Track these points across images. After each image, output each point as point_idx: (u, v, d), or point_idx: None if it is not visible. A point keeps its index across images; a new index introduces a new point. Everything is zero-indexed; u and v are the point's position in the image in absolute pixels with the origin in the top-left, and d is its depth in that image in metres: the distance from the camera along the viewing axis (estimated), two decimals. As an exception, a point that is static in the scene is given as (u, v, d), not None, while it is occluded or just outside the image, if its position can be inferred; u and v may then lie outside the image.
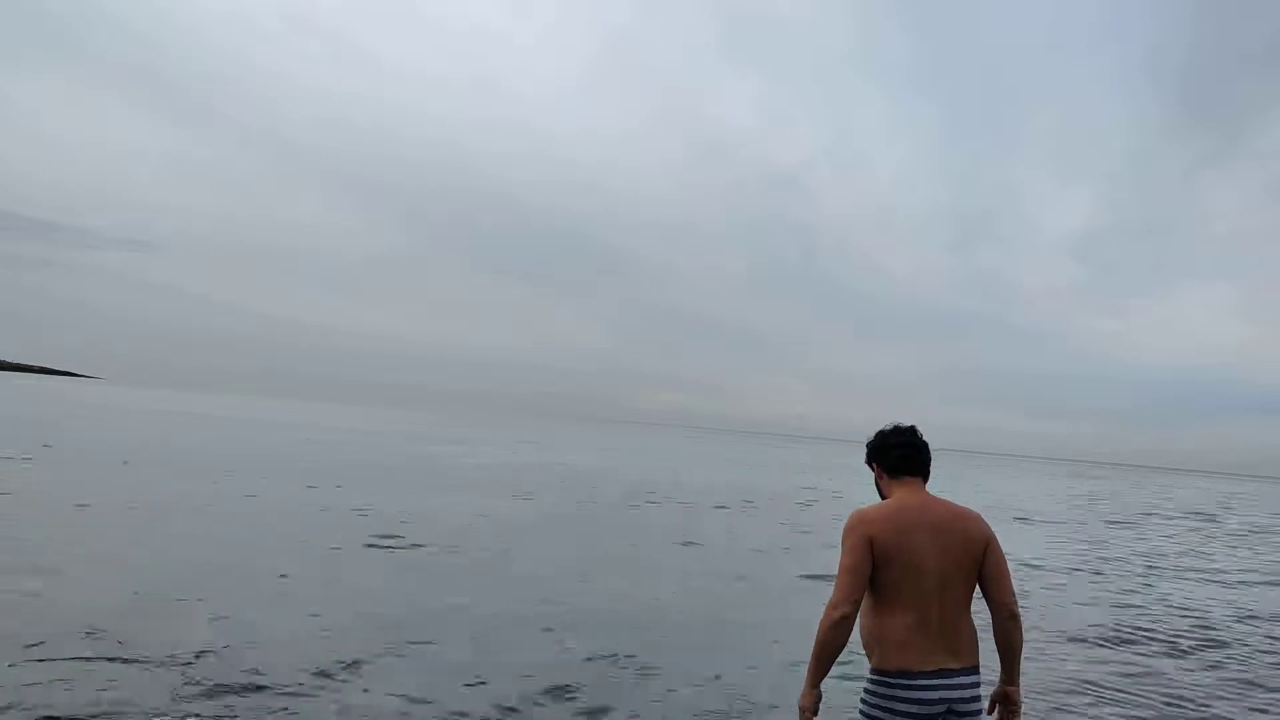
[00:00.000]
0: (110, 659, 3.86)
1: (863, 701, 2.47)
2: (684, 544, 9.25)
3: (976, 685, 2.50)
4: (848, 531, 2.47)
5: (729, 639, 5.27)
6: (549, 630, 5.02)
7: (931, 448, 2.81)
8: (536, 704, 3.75)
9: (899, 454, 2.72)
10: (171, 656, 3.95)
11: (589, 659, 4.51)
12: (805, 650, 2.38)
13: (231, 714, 3.34)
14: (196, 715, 3.29)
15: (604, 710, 3.75)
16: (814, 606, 2.76)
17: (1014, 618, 2.54)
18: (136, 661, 3.85)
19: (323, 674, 3.89)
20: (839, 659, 2.32)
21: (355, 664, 4.07)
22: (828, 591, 2.33)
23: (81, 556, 6.13)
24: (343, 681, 3.83)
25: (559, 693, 3.92)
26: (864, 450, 2.77)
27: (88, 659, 3.84)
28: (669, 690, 4.10)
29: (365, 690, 3.74)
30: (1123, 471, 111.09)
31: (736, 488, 19.15)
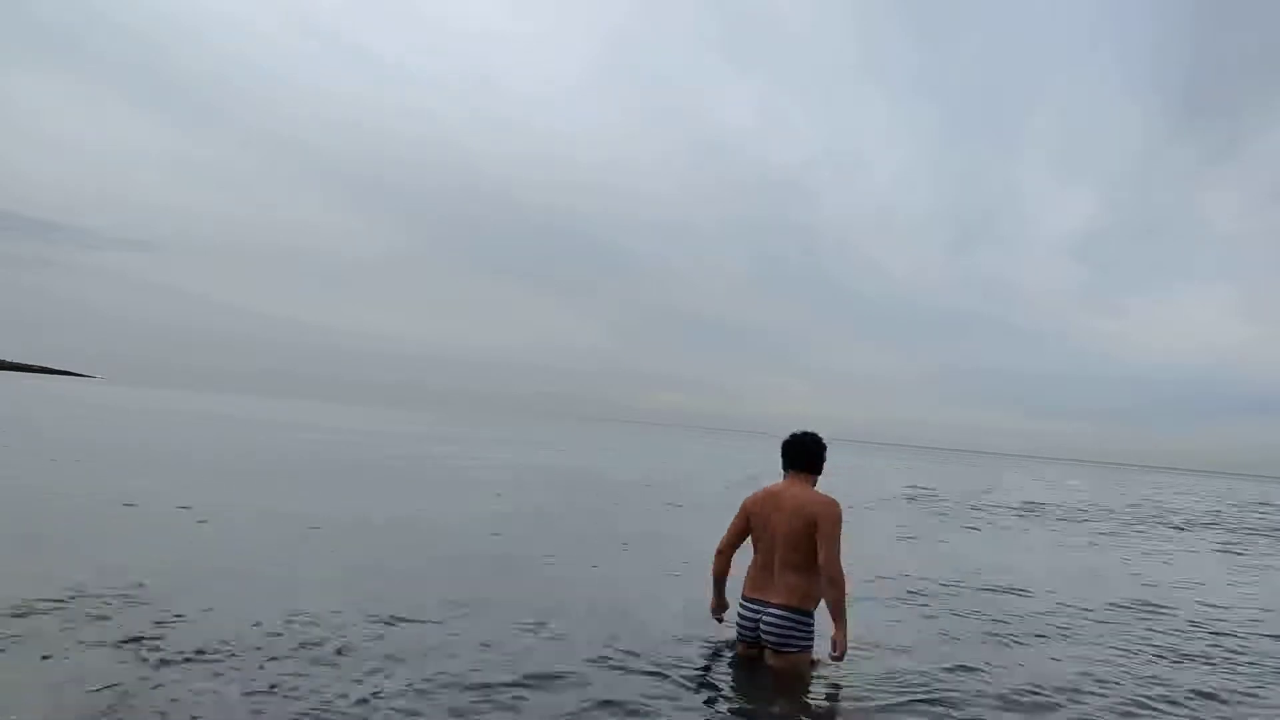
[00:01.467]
0: None
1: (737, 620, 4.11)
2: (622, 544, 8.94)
3: (784, 620, 3.84)
4: (741, 508, 4.12)
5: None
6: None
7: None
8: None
9: (786, 453, 4.10)
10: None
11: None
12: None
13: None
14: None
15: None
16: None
17: (831, 580, 3.75)
18: None
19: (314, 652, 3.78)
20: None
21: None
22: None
23: None
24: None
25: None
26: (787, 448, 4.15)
27: None
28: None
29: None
30: (1130, 471, 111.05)
31: (691, 481, 19.08)
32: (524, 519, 10.32)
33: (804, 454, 4.06)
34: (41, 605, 4.54)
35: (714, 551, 4.24)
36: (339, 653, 4.15)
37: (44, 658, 3.75)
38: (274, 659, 4.02)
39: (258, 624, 4.48)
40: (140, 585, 5.18)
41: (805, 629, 3.90)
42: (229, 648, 4.07)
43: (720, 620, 4.36)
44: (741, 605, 4.08)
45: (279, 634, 4.37)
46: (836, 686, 4.06)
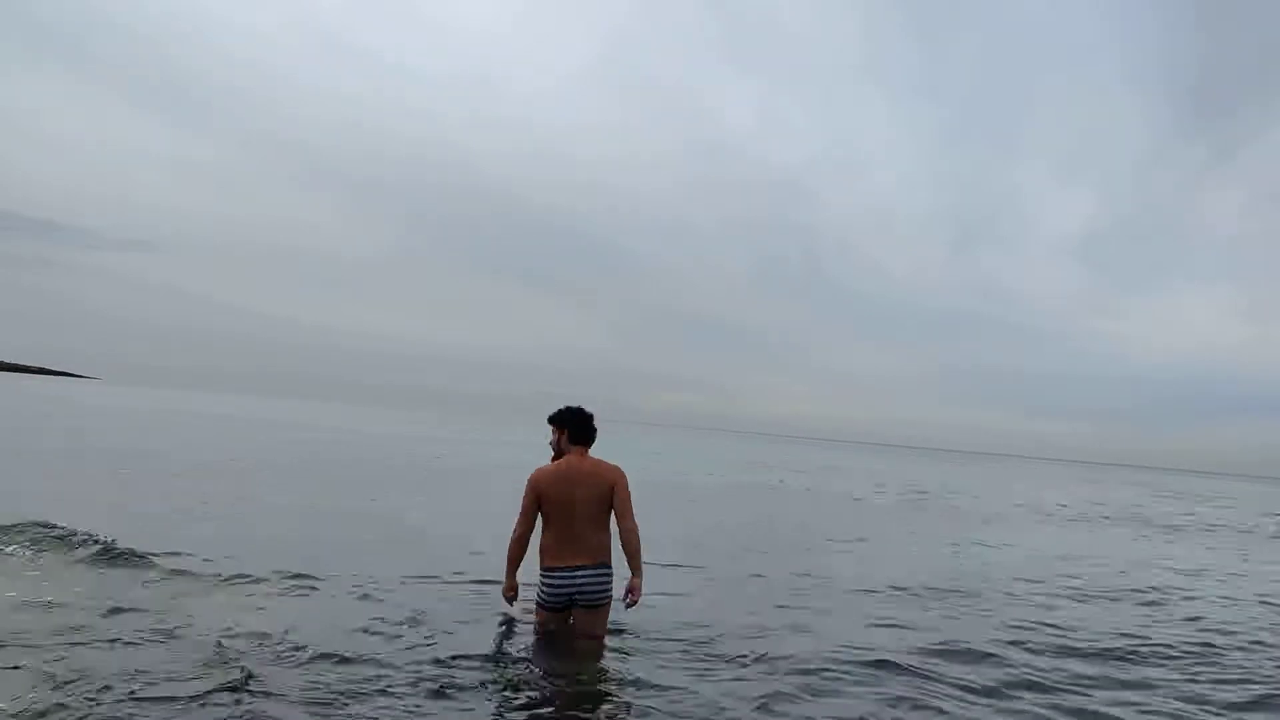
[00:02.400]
0: None
1: (538, 589, 4.31)
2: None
3: (599, 576, 4.26)
4: (528, 486, 4.27)
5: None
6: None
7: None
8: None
9: (577, 428, 4.38)
10: None
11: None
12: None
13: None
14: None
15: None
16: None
17: (630, 530, 4.25)
18: None
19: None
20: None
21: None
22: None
23: None
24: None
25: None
26: (553, 419, 4.43)
27: None
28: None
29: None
30: (1132, 472, 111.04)
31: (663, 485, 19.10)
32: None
33: (587, 429, 4.43)
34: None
35: (512, 539, 4.35)
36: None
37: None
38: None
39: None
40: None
41: (610, 581, 4.37)
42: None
43: (512, 601, 4.58)
44: (546, 576, 4.28)
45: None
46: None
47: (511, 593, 4.49)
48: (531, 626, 4.59)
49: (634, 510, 4.29)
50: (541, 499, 4.25)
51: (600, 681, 4.08)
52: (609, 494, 4.26)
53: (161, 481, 11.10)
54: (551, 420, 4.44)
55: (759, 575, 7.57)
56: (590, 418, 4.44)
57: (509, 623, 4.93)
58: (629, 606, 4.36)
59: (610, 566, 4.33)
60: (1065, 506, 21.49)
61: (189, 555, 6.22)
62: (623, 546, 4.28)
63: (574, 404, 4.50)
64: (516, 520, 4.30)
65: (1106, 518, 18.79)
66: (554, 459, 4.43)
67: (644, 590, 4.36)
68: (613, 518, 4.30)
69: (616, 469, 4.34)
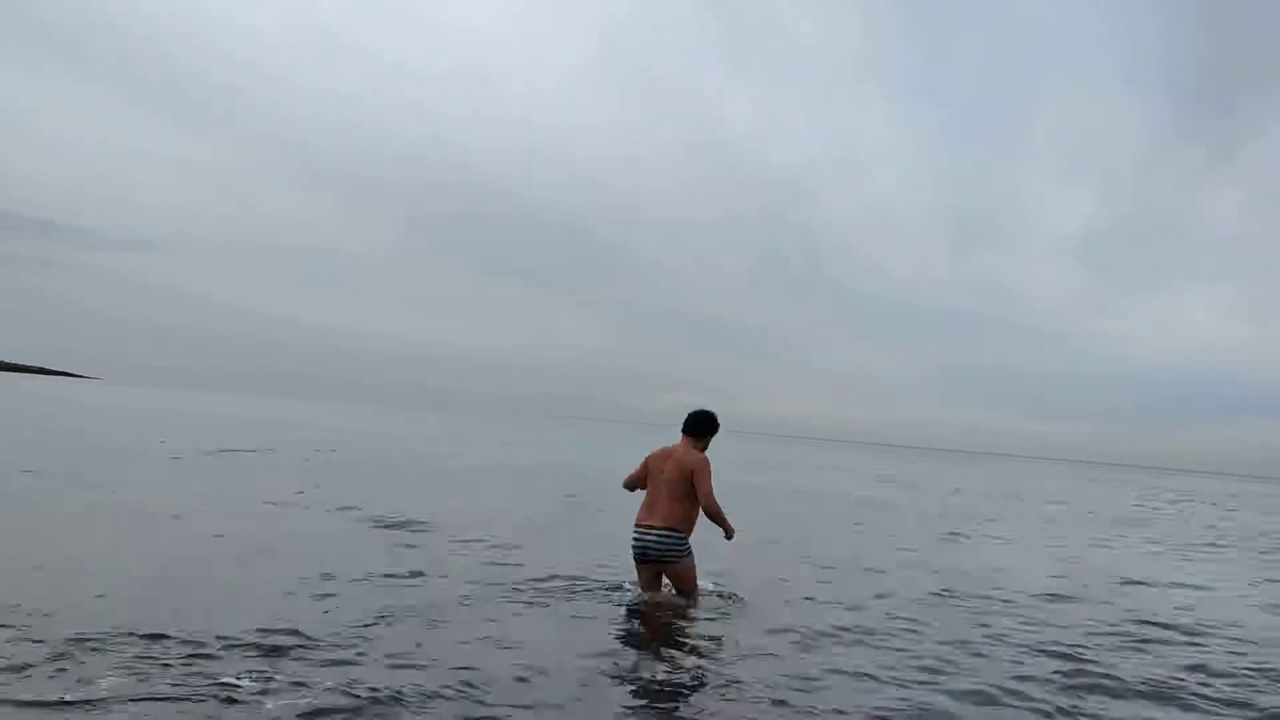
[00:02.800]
0: None
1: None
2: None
3: (662, 537, 5.27)
4: (643, 459, 5.55)
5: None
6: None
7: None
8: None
9: (688, 422, 5.50)
10: None
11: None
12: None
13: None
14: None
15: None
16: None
17: (708, 502, 5.27)
18: None
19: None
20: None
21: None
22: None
23: None
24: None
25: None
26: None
27: None
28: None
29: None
30: (1133, 472, 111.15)
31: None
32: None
33: (695, 424, 5.51)
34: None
35: (622, 484, 5.75)
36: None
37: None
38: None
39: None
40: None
41: (681, 544, 5.36)
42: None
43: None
44: (633, 530, 5.44)
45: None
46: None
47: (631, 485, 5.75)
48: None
49: (709, 491, 5.31)
50: (647, 467, 5.53)
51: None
52: (689, 476, 5.28)
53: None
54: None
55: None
56: (702, 414, 5.54)
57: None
58: (728, 539, 5.52)
59: (680, 533, 5.33)
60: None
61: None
62: (704, 513, 5.37)
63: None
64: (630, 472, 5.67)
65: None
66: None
67: (739, 543, 5.81)
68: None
69: (702, 458, 5.38)
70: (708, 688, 4.11)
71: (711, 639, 5.00)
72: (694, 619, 5.36)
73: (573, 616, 5.34)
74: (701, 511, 5.37)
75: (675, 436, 5.71)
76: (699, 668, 4.39)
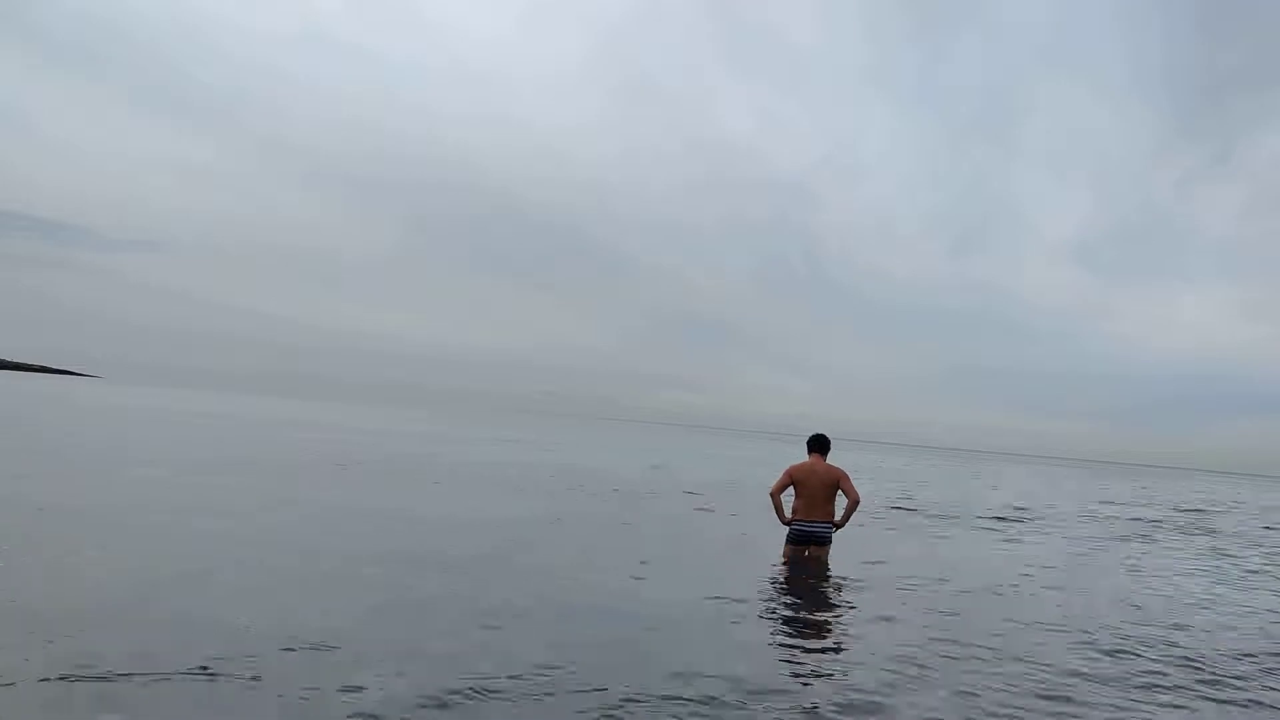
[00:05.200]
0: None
1: (789, 531, 7.75)
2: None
3: (826, 528, 7.63)
4: (785, 471, 7.68)
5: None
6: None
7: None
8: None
9: (812, 443, 7.79)
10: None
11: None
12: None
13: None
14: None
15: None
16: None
17: (853, 503, 7.56)
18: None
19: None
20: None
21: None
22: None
23: None
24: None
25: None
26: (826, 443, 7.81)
27: None
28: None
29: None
30: (1135, 472, 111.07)
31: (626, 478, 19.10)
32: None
33: (824, 444, 7.78)
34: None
35: (770, 493, 7.64)
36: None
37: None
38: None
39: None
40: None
41: (832, 532, 7.70)
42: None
43: (788, 524, 7.77)
44: (796, 524, 7.66)
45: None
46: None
47: (785, 521, 7.73)
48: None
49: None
50: (793, 478, 7.53)
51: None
52: (835, 485, 7.56)
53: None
54: (809, 444, 7.82)
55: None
56: (825, 437, 7.78)
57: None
58: (837, 527, 7.72)
59: (831, 525, 7.65)
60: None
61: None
62: (847, 506, 7.63)
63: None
64: (775, 485, 7.62)
65: None
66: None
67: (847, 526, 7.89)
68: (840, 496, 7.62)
69: (843, 469, 7.70)
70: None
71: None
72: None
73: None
74: (849, 503, 7.59)
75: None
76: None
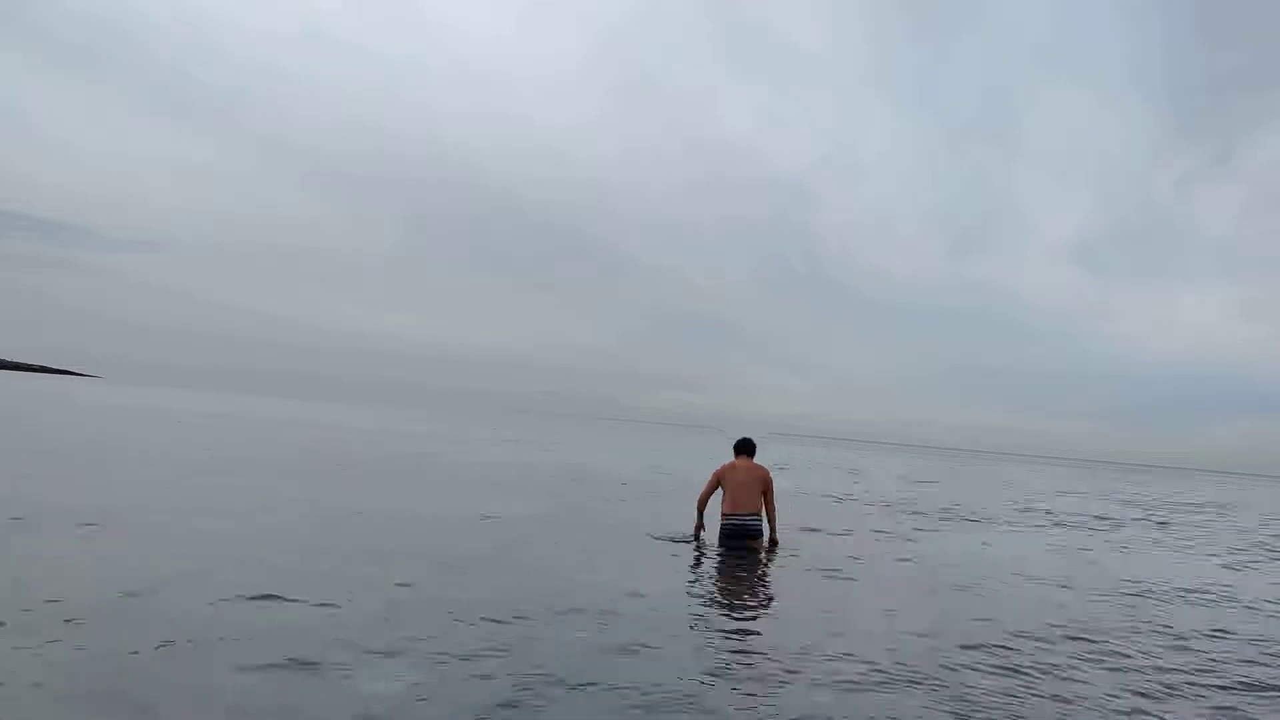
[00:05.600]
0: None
1: (720, 526, 8.37)
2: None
3: (755, 519, 8.32)
4: (714, 472, 8.47)
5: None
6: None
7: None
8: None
9: (736, 446, 8.66)
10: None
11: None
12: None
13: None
14: None
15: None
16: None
17: (770, 508, 8.48)
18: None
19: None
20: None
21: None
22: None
23: None
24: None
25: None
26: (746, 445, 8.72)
27: None
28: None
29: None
30: (1136, 471, 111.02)
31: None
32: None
33: (750, 447, 8.61)
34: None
35: (697, 500, 8.58)
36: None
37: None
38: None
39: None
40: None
41: (762, 525, 8.33)
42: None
43: (697, 537, 8.70)
44: (725, 520, 8.29)
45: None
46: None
47: (699, 531, 8.67)
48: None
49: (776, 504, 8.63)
50: (721, 479, 8.30)
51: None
52: (760, 484, 8.29)
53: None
54: (735, 447, 8.63)
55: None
56: (750, 440, 8.65)
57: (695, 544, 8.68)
58: (769, 548, 8.36)
59: (761, 517, 8.31)
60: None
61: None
62: (765, 513, 8.38)
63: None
64: (704, 488, 8.45)
65: None
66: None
67: (780, 543, 8.53)
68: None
69: (766, 469, 8.47)
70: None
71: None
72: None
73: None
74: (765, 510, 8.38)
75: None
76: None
